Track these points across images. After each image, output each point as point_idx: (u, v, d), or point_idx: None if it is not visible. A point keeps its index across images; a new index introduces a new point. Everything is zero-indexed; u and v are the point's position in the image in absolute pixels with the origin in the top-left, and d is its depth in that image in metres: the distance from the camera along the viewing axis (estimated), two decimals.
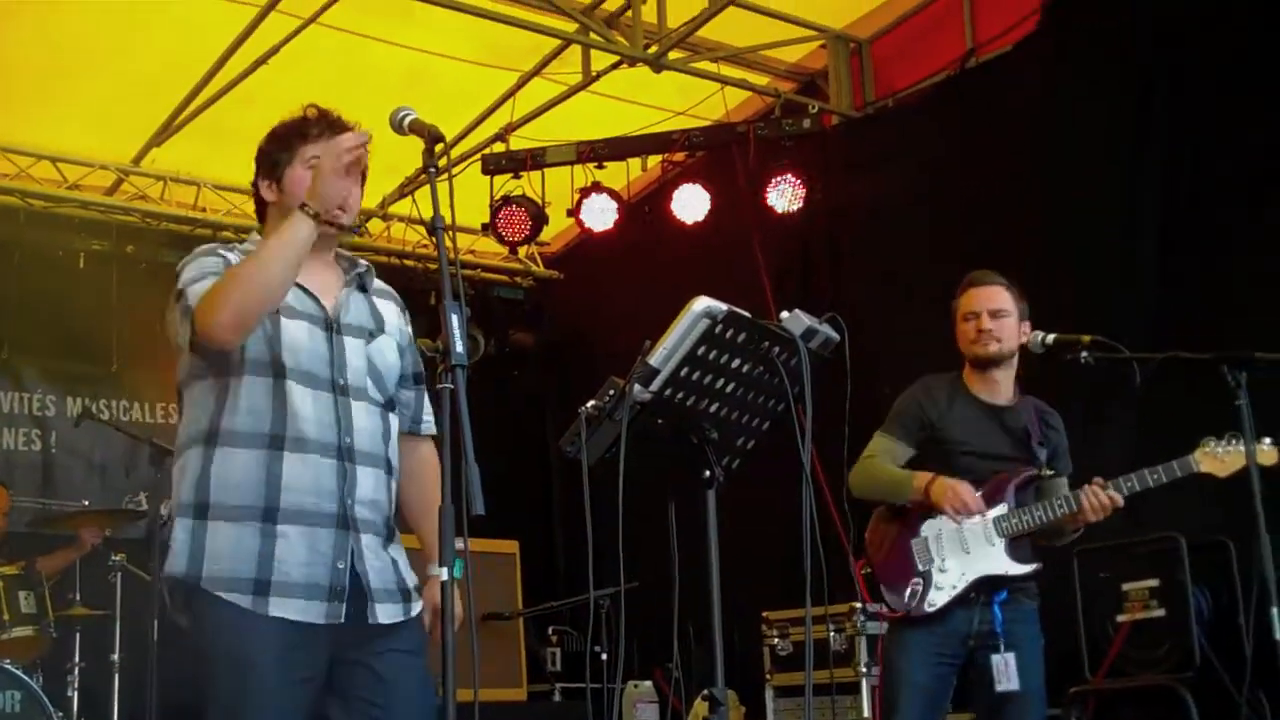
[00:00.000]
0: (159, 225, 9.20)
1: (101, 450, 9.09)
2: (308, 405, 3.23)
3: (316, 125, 3.39)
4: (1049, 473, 4.96)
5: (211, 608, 3.16)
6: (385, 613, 3.26)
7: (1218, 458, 4.70)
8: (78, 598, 7.28)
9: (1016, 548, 4.88)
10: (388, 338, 3.45)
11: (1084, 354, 4.34)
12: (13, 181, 8.66)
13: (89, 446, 9.08)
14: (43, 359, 9.13)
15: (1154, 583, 5.83)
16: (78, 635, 7.27)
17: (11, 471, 8.76)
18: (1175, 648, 5.71)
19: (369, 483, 3.29)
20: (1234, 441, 4.66)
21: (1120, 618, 5.91)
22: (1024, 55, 7.33)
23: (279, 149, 3.41)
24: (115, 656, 7.07)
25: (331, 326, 3.33)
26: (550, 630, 8.72)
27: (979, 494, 4.85)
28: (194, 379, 3.32)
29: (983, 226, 7.18)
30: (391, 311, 3.50)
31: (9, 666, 6.45)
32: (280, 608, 3.14)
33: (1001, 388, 5.00)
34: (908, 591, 4.92)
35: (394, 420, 3.43)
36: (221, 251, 3.34)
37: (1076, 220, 6.80)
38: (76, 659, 7.23)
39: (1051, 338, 4.48)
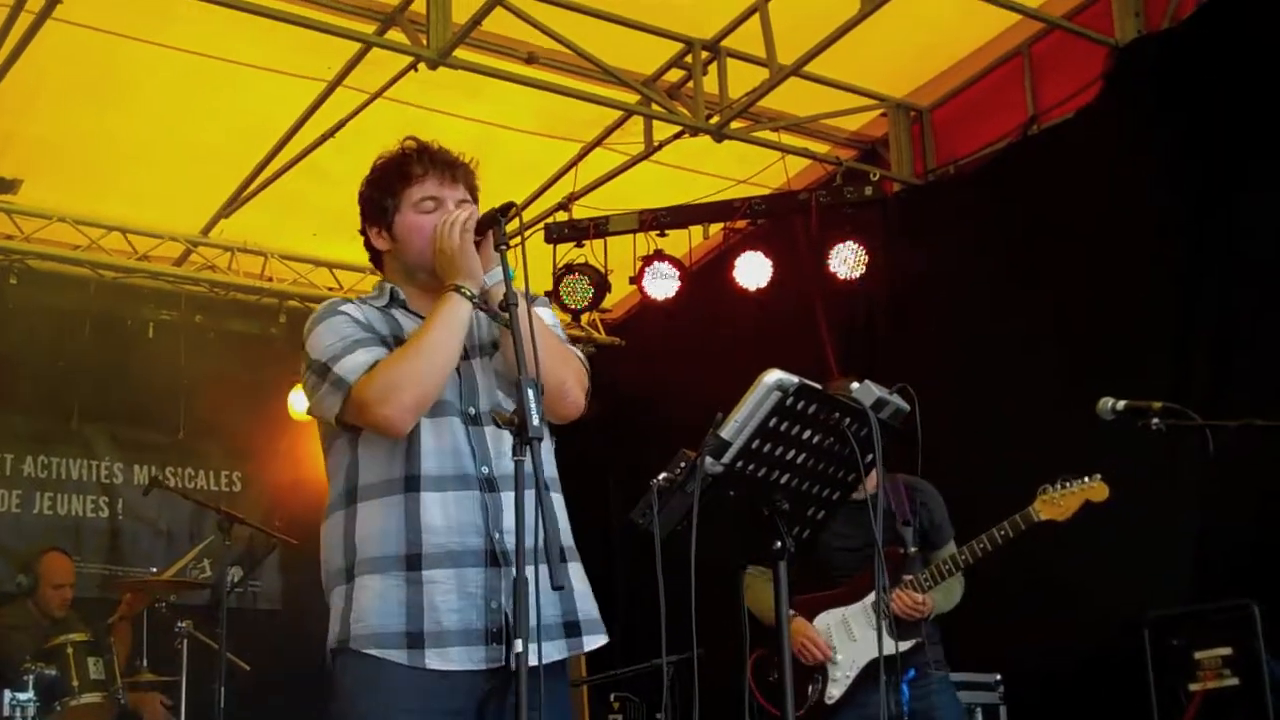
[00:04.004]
0: (227, 295, 9.32)
1: (168, 517, 9.19)
2: (441, 439, 3.09)
3: (418, 163, 3.27)
4: (913, 549, 5.17)
5: (356, 666, 3.02)
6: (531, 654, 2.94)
7: (1055, 503, 4.85)
8: (145, 663, 7.35)
9: (899, 625, 5.06)
10: None
11: (1155, 421, 4.31)
12: (84, 253, 8.78)
13: (155, 514, 9.18)
14: (111, 427, 9.25)
15: (1227, 651, 5.73)
16: None
17: (79, 538, 8.87)
18: (1249, 719, 5.61)
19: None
20: (1068, 484, 4.81)
21: (1193, 687, 5.81)
22: (1086, 123, 7.31)
23: (384, 194, 3.28)
24: None
25: None
26: (612, 697, 8.68)
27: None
28: (333, 440, 3.22)
29: (1045, 293, 7.17)
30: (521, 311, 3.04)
31: None
32: (439, 659, 2.97)
33: (865, 485, 5.15)
34: (809, 688, 5.09)
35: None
36: (345, 309, 3.22)
37: (1137, 289, 6.77)
38: None
39: (1122, 404, 4.46)
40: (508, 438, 3.07)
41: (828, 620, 5.21)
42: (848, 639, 5.13)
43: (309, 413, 3.29)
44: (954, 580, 5.22)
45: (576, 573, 3.19)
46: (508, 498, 3.04)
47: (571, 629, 3.13)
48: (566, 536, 3.20)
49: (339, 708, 3.06)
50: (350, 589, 3.08)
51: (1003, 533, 5.05)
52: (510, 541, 3.02)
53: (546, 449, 3.20)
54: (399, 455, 3.08)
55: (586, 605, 3.19)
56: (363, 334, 3.15)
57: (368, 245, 3.37)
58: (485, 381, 3.20)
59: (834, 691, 5.12)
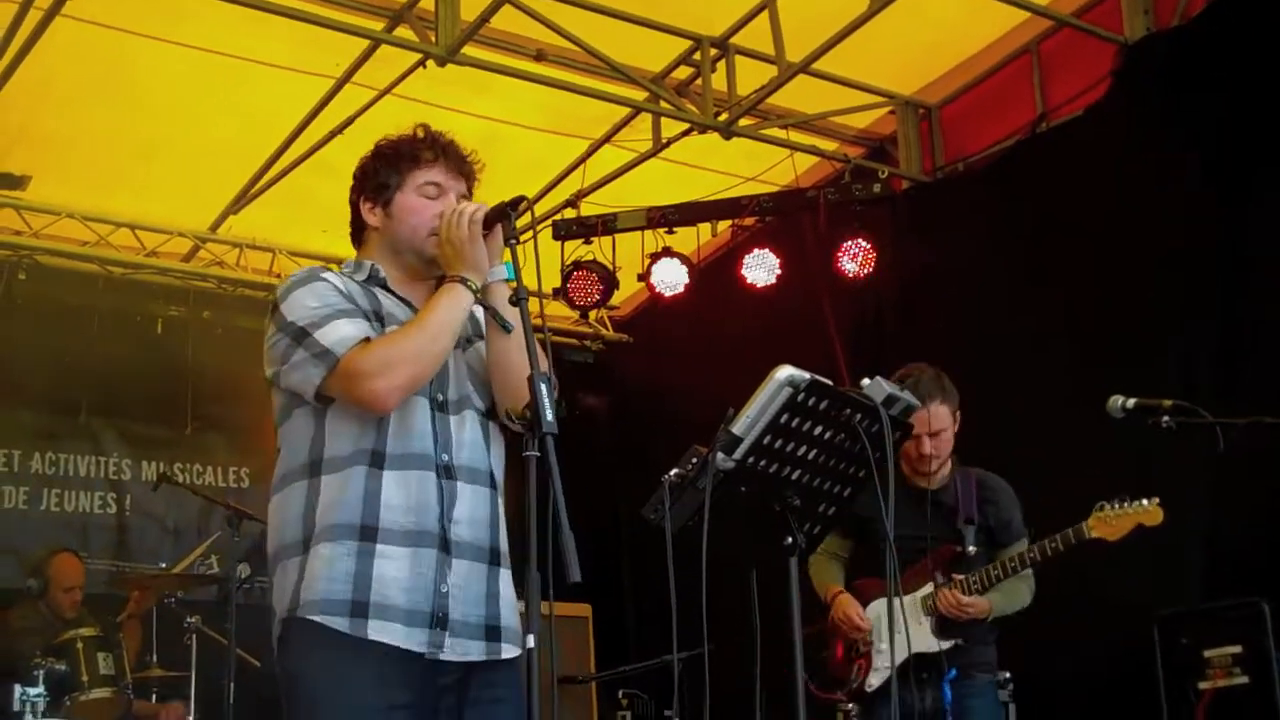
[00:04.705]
0: (235, 291, 9.33)
1: (175, 514, 9.19)
2: (407, 420, 3.07)
3: (430, 149, 3.26)
4: (972, 549, 5.10)
5: (304, 633, 2.98)
6: (454, 649, 3.03)
7: (1108, 522, 4.81)
8: (154, 659, 7.36)
9: (943, 624, 5.03)
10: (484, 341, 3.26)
11: (1165, 418, 4.30)
12: (93, 249, 8.81)
13: (163, 510, 9.19)
14: (120, 423, 9.27)
15: (1237, 649, 5.70)
16: (154, 697, 7.35)
17: (87, 534, 8.88)
18: (1259, 717, 5.58)
19: (468, 501, 3.11)
20: (1124, 504, 4.76)
21: (1202, 685, 5.78)
22: (1094, 121, 7.30)
23: (388, 170, 3.26)
24: (191, 718, 7.13)
25: None
26: (621, 694, 8.68)
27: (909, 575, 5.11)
28: (292, 409, 3.15)
29: (1054, 291, 7.15)
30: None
31: None
32: (380, 631, 2.96)
33: (935, 474, 5.12)
34: (853, 669, 5.09)
35: (494, 428, 3.23)
36: (327, 276, 3.17)
37: (1146, 286, 6.75)
38: None
39: (1132, 402, 4.45)
40: (470, 428, 3.17)
41: (879, 609, 5.20)
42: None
43: (276, 379, 3.16)
44: (1018, 581, 5.11)
45: (505, 579, 3.17)
46: (462, 488, 3.10)
47: (492, 633, 3.11)
48: (502, 541, 3.20)
49: (297, 692, 3.02)
50: (304, 559, 3.03)
51: (1054, 545, 4.98)
52: (457, 532, 3.07)
53: (497, 450, 3.24)
54: (369, 429, 3.05)
55: (509, 614, 3.15)
56: (346, 304, 3.11)
57: (354, 220, 3.34)
58: (456, 372, 3.19)
59: (874, 680, 5.14)
